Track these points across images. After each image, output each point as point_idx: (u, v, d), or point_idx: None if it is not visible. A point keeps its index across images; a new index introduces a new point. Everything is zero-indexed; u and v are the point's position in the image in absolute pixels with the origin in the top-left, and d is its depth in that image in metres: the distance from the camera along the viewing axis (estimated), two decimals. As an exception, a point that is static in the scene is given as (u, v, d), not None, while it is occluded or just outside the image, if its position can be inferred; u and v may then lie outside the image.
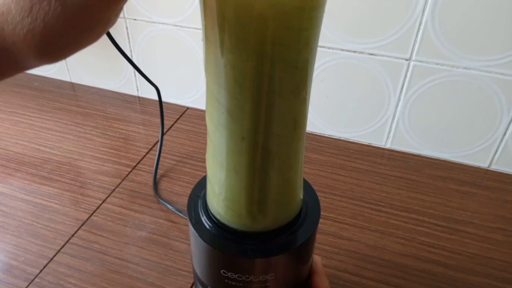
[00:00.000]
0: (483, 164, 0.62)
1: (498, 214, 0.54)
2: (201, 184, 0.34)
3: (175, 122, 0.70)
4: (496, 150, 0.60)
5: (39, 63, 0.19)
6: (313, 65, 0.25)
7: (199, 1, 0.22)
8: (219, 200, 0.29)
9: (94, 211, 0.53)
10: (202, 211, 0.31)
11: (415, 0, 0.52)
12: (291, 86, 0.24)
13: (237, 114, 0.24)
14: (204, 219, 0.31)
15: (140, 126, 0.69)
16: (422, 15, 0.53)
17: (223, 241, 0.29)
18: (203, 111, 0.73)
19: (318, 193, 0.57)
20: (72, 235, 0.50)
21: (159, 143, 0.60)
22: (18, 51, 0.18)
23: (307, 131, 0.68)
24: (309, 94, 0.26)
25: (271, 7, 0.20)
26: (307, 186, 0.34)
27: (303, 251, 0.31)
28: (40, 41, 0.17)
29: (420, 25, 0.54)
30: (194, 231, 0.30)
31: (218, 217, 0.30)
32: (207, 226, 0.30)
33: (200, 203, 0.32)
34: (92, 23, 0.17)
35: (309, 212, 0.32)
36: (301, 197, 0.31)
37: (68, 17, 0.17)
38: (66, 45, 0.18)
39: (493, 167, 0.62)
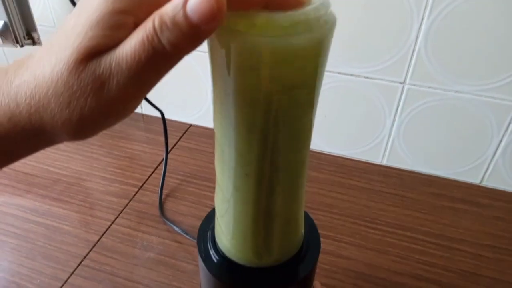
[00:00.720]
0: (475, 180, 0.65)
1: (488, 231, 0.57)
2: (209, 218, 0.37)
3: (179, 140, 0.73)
4: (487, 168, 0.63)
5: (71, 140, 0.21)
6: (315, 110, 0.27)
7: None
8: (227, 239, 0.31)
9: (104, 233, 0.55)
10: (211, 244, 0.34)
11: (409, 27, 0.54)
12: (295, 131, 0.26)
13: (244, 157, 0.27)
14: (212, 252, 0.33)
15: (145, 145, 0.72)
16: (416, 42, 0.55)
17: (230, 276, 0.32)
18: (207, 128, 0.76)
19: (317, 212, 0.60)
20: (84, 257, 0.52)
21: (163, 163, 0.62)
22: (54, 134, 0.20)
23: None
24: (311, 132, 0.28)
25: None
26: (306, 217, 0.37)
27: (305, 282, 0.33)
28: (75, 127, 0.20)
29: (413, 51, 0.56)
30: (203, 265, 0.33)
31: (226, 253, 0.32)
32: (215, 260, 0.33)
33: (209, 236, 0.35)
34: (124, 111, 0.20)
35: (310, 244, 0.35)
36: (303, 233, 0.33)
37: (102, 109, 0.19)
38: (99, 128, 0.21)
39: (484, 184, 0.65)
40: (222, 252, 0.33)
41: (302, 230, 0.33)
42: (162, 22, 0.17)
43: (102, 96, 0.19)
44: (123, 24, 0.18)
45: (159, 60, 0.18)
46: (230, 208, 0.29)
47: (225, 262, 0.32)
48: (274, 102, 0.23)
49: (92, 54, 0.18)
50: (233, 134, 0.26)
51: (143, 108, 0.79)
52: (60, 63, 0.18)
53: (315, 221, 0.58)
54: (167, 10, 0.17)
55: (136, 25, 0.18)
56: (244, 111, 0.24)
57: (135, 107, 0.20)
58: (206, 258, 0.33)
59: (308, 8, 0.22)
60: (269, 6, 0.21)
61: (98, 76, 0.18)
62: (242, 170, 0.27)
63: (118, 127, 0.76)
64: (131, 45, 0.18)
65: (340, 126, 0.67)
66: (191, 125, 0.76)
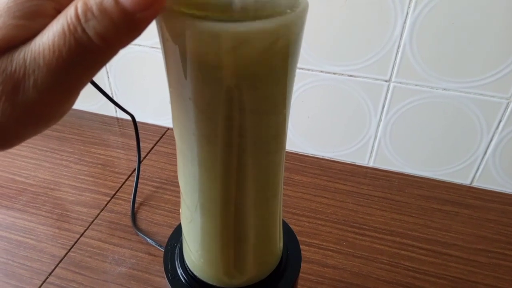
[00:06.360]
0: (465, 181, 0.62)
1: (480, 234, 0.55)
2: (177, 232, 0.33)
3: (155, 144, 0.69)
4: (478, 168, 0.60)
5: None
6: (287, 126, 0.24)
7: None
8: (195, 258, 0.28)
9: (72, 246, 0.51)
10: (179, 263, 0.30)
11: (393, 23, 0.52)
12: (266, 136, 0.23)
13: (209, 173, 0.23)
14: (180, 271, 0.30)
15: (119, 150, 0.68)
16: (401, 38, 0.52)
17: (201, 298, 0.28)
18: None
19: (302, 218, 0.57)
20: (49, 274, 0.48)
21: (136, 172, 0.59)
22: None
23: (289, 151, 0.67)
24: (284, 146, 0.25)
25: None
26: (287, 229, 0.34)
27: (285, 302, 0.30)
28: None
29: (398, 47, 0.53)
30: (171, 287, 0.29)
31: (195, 272, 0.29)
32: (183, 281, 0.29)
33: (176, 253, 0.31)
34: (46, 118, 0.16)
35: (289, 260, 0.31)
36: (281, 248, 0.30)
37: (20, 115, 0.15)
38: (18, 137, 0.17)
39: (475, 184, 0.62)
40: (191, 272, 0.29)
41: (279, 243, 0.30)
42: (87, 9, 0.14)
43: (18, 99, 0.15)
44: (40, 10, 0.15)
45: (85, 55, 0.14)
46: (195, 223, 0.26)
47: (195, 283, 0.29)
48: (239, 99, 0.20)
49: (1, 48, 0.15)
50: (194, 140, 0.22)
51: (118, 111, 0.75)
52: None
53: (299, 228, 0.55)
54: None
55: (58, 12, 0.15)
56: (205, 110, 0.21)
57: (65, 111, 0.17)
58: (173, 279, 0.29)
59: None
60: None
61: (10, 76, 0.15)
62: (207, 176, 0.23)
63: (90, 132, 0.72)
64: (49, 37, 0.14)
65: (324, 127, 0.64)
66: (168, 129, 0.73)
